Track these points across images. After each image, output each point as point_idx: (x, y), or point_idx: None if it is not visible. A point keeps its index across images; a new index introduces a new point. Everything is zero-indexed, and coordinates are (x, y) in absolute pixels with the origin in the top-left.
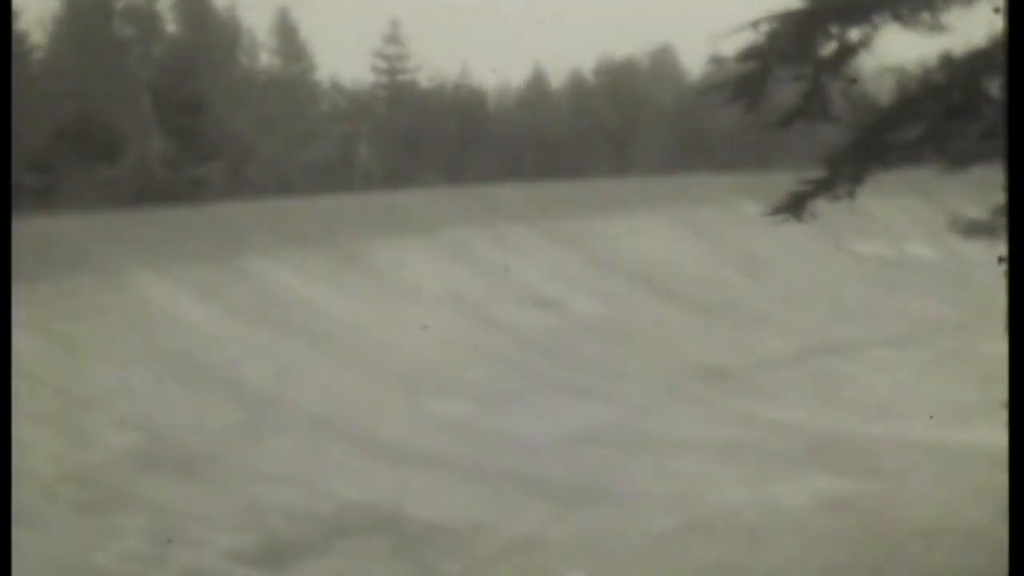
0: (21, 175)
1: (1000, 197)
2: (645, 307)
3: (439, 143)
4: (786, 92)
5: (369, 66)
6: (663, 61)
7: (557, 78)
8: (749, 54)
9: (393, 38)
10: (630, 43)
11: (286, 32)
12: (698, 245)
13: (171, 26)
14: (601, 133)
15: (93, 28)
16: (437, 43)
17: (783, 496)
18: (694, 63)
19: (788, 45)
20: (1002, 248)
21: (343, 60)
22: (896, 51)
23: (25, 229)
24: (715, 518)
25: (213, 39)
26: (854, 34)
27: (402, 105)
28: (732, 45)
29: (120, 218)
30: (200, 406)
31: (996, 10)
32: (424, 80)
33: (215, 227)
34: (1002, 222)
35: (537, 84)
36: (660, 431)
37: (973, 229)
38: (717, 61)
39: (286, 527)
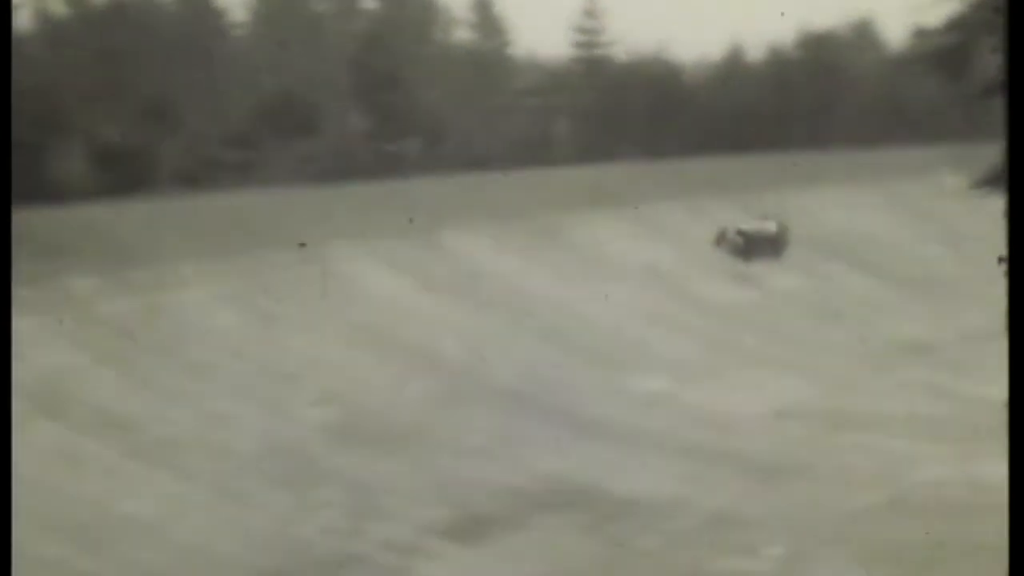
0: (222, 151)
1: None
2: (845, 281)
3: (636, 117)
4: (991, 62)
5: (566, 41)
6: (863, 34)
7: (755, 52)
8: (953, 25)
9: (590, 12)
10: (830, 16)
11: (483, 7)
12: (899, 218)
13: (369, 2)
14: (800, 106)
15: (292, 5)
16: (634, 17)
17: (986, 472)
18: (895, 35)
19: (993, 15)
20: None
21: (539, 35)
22: None
23: (225, 205)
24: (916, 495)
25: (410, 14)
26: None
27: (599, 79)
28: (935, 16)
29: (318, 193)
30: (397, 380)
31: (996, 10)
32: (621, 54)
33: (412, 202)
34: None
35: (734, 57)
36: (861, 406)
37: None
38: (920, 33)
39: (482, 501)
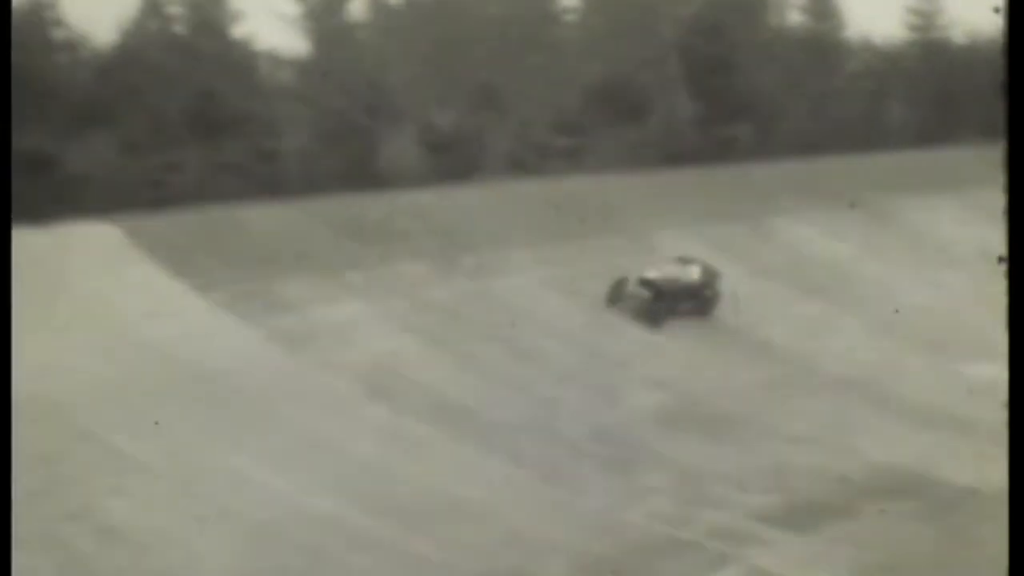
0: (551, 137)
1: None
2: None
3: (974, 100)
4: None
5: (900, 23)
6: None
7: None
8: None
9: None
10: None
11: None
12: None
13: None
14: None
15: None
16: None
17: None
18: None
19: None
20: None
21: (873, 17)
22: None
23: (554, 190)
24: None
25: None
26: None
27: (935, 62)
28: None
29: (647, 179)
30: (727, 366)
31: (996, 10)
32: (959, 36)
33: (742, 187)
34: None
35: None
36: None
37: None
38: None
39: (812, 488)
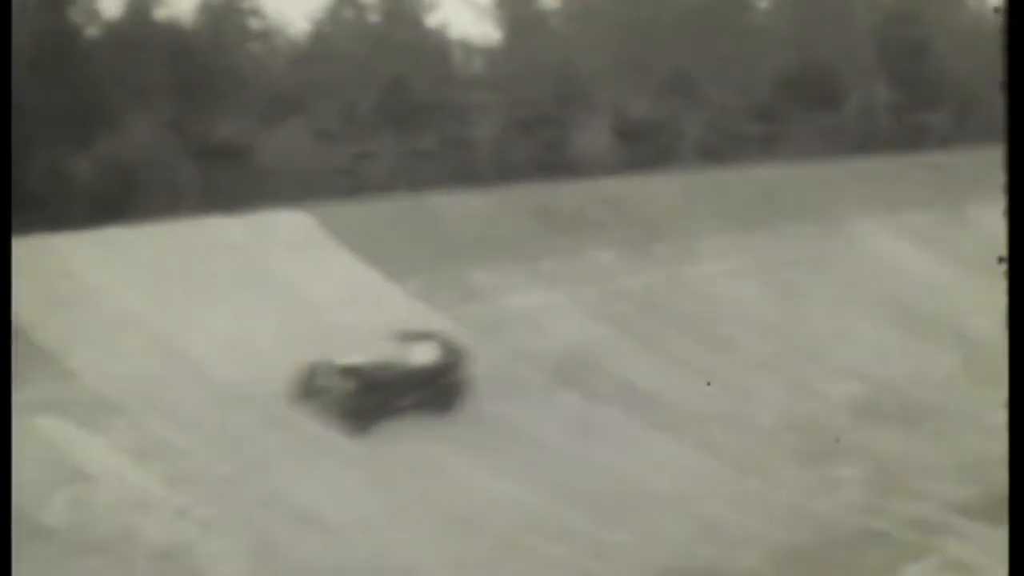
0: (745, 124)
1: None
2: None
3: None
4: None
5: None
6: None
7: None
8: None
9: None
10: None
11: None
12: None
13: None
14: None
15: None
16: None
17: None
18: None
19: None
20: None
21: None
22: None
23: (748, 178)
24: None
25: None
26: None
27: None
28: None
29: (842, 166)
30: (922, 356)
31: (996, 10)
32: None
33: (939, 175)
34: None
35: None
36: None
37: None
38: None
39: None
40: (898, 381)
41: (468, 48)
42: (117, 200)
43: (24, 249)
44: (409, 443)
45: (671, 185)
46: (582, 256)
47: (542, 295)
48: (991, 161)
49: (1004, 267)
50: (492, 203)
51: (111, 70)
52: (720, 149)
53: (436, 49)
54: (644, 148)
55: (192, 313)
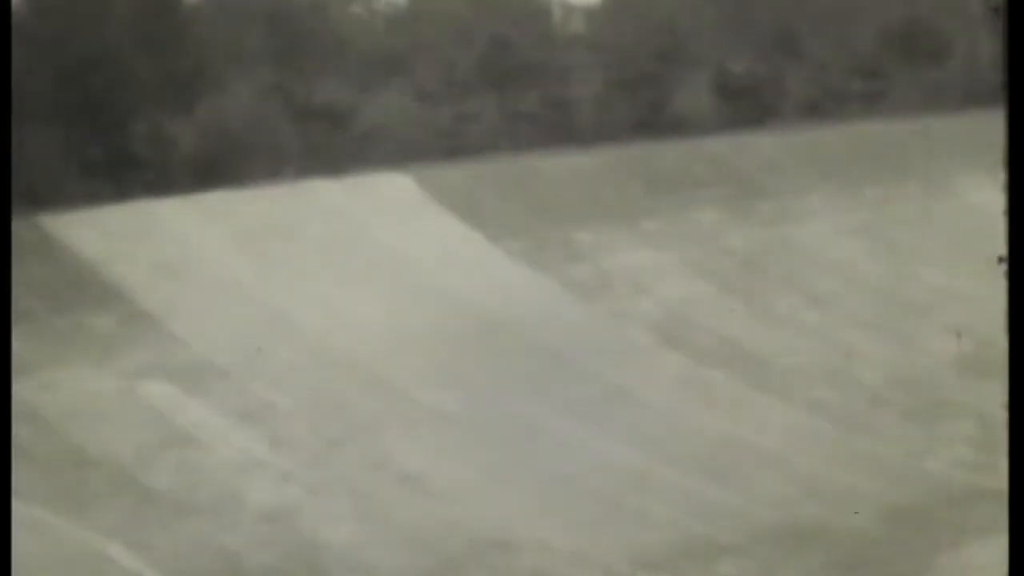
0: (847, 80)
1: None
2: None
3: None
4: None
5: None
6: None
7: None
8: None
9: None
10: None
11: None
12: None
13: None
14: None
15: None
16: None
17: None
18: None
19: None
20: None
21: None
22: None
23: (851, 135)
24: None
25: None
26: None
27: None
28: None
29: (947, 122)
30: None
31: (996, 10)
32: None
33: None
34: None
35: None
36: None
37: None
38: None
39: None
40: (1003, 337)
41: (568, 7)
42: (219, 165)
43: (127, 214)
44: (512, 404)
45: (774, 143)
46: (685, 216)
47: (645, 255)
48: None
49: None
50: (593, 163)
51: (212, 35)
52: (823, 106)
53: (536, 9)
54: (746, 106)
55: (294, 277)
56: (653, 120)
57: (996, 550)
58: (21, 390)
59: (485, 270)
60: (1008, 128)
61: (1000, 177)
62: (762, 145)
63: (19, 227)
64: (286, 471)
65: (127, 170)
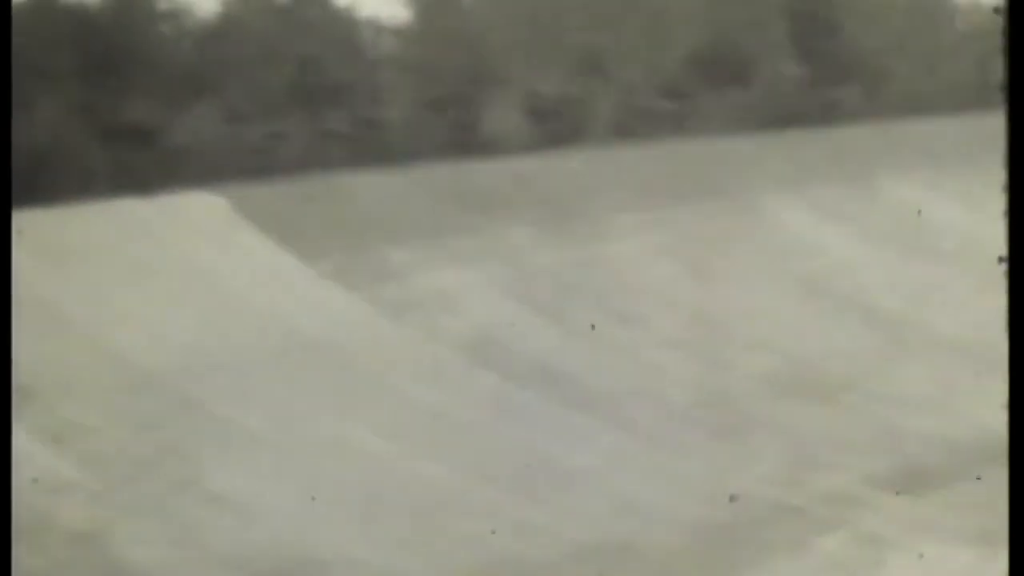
0: (655, 101)
1: None
2: None
3: None
4: None
5: None
6: None
7: None
8: None
9: None
10: None
11: None
12: None
13: None
14: None
15: None
16: None
17: None
18: None
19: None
20: None
21: None
22: None
23: (659, 155)
24: None
25: None
26: None
27: None
28: None
29: (753, 142)
30: (834, 330)
31: (996, 10)
32: None
33: (848, 150)
34: None
35: None
36: None
37: None
38: None
39: (923, 452)
40: (811, 356)
41: (378, 27)
42: (26, 184)
43: None
44: (323, 424)
45: (583, 163)
46: (495, 235)
47: (456, 274)
48: (902, 135)
49: (1004, 267)
50: (404, 183)
51: (17, 54)
52: (631, 126)
53: (346, 28)
54: (555, 126)
55: (102, 296)
56: (464, 140)
57: (801, 567)
58: None
59: (296, 289)
60: (1008, 128)
61: (805, 195)
62: (571, 165)
63: None
64: (95, 492)
65: None
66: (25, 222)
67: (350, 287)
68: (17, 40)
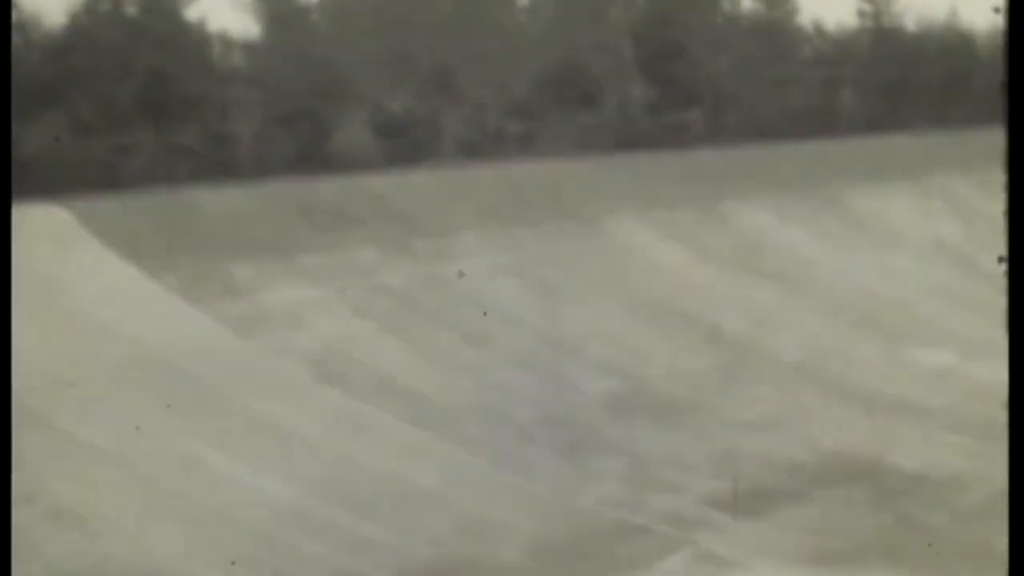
0: (504, 121)
1: None
2: None
3: (925, 88)
4: None
5: (853, 10)
6: None
7: None
8: None
9: None
10: None
11: None
12: None
13: None
14: None
15: None
16: None
17: None
18: None
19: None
20: None
21: (826, 4)
22: None
23: (507, 175)
24: None
25: None
26: None
27: (887, 49)
28: None
29: (600, 164)
30: (677, 352)
31: (996, 10)
32: (910, 23)
33: (694, 173)
34: None
35: None
36: None
37: None
38: None
39: (763, 474)
40: (654, 377)
41: (227, 41)
42: None
43: None
44: (166, 439)
45: (432, 182)
46: (343, 252)
47: (303, 291)
48: (746, 160)
49: (1004, 267)
50: (252, 198)
51: None
52: (480, 146)
53: (195, 42)
54: (404, 145)
55: None
56: (312, 156)
57: None
58: None
59: (141, 304)
60: (1008, 128)
61: (650, 217)
62: (420, 184)
63: None
64: None
65: None
66: None
67: (196, 302)
68: None
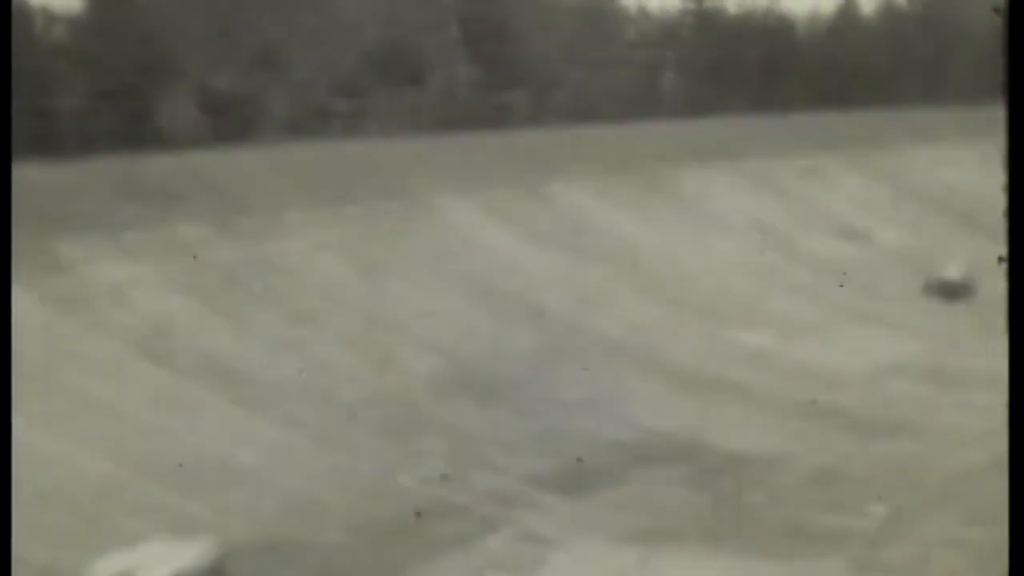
0: (330, 100)
1: None
2: (953, 239)
3: (746, 71)
4: None
5: None
6: None
7: (868, 5)
8: None
9: None
10: None
11: None
12: None
13: None
14: (912, 62)
15: None
16: None
17: None
18: None
19: None
20: None
21: None
22: None
23: (333, 154)
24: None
25: None
26: None
27: (709, 32)
28: None
29: (426, 144)
30: (501, 332)
31: (996, 10)
32: (732, 6)
33: (520, 154)
34: None
35: (847, 11)
36: (965, 364)
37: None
38: None
39: (586, 453)
40: (477, 356)
41: (50, 16)
42: None
43: None
44: None
45: (257, 160)
46: (167, 230)
47: (126, 268)
48: (570, 140)
49: (1004, 267)
50: (75, 174)
51: None
52: (305, 124)
53: (17, 16)
54: (229, 122)
55: None
56: (136, 132)
57: (466, 564)
58: None
59: None
60: (1008, 128)
61: (475, 197)
62: (243, 161)
63: None
64: None
65: None
66: None
67: (18, 280)
68: None
